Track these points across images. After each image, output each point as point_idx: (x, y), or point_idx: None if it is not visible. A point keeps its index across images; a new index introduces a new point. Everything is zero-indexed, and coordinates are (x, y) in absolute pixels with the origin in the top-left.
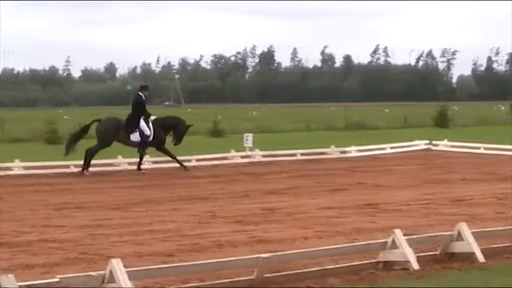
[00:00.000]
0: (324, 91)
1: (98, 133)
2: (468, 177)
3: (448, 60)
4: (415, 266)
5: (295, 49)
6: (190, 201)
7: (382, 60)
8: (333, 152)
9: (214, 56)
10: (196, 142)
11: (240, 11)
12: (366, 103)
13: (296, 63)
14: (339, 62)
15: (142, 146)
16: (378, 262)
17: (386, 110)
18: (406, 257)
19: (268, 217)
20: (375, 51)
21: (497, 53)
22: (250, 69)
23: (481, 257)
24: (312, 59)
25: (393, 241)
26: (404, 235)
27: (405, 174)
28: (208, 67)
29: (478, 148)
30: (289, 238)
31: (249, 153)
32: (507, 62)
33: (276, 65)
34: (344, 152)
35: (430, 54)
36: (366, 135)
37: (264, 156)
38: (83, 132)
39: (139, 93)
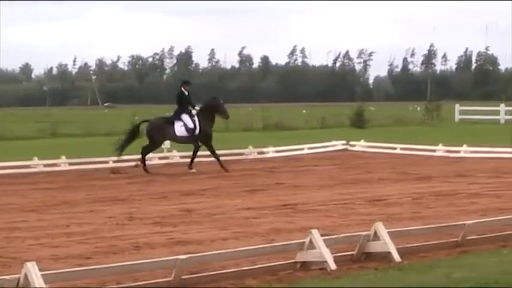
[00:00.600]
0: (242, 92)
1: (146, 133)
2: (385, 177)
3: (365, 61)
4: (332, 266)
5: (212, 50)
6: (108, 203)
7: (299, 61)
8: (250, 152)
9: (132, 56)
10: (114, 143)
11: (157, 11)
12: (283, 104)
13: (214, 64)
14: (256, 63)
15: (192, 139)
16: (296, 262)
17: (304, 111)
18: (324, 257)
19: (186, 218)
20: (292, 52)
21: (412, 54)
22: (168, 70)
23: (397, 256)
24: (229, 60)
25: (310, 241)
26: (322, 235)
27: (323, 174)
28: (126, 68)
29: (394, 148)
30: (208, 239)
31: (167, 154)
32: (422, 63)
33: (193, 65)
34: (262, 153)
35: (346, 55)
36: (284, 136)
37: (182, 157)
38: (133, 134)
39: (182, 88)
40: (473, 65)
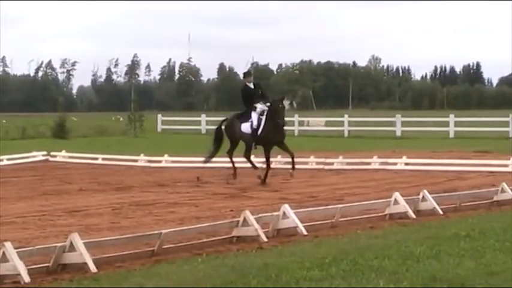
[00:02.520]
0: None
1: (225, 132)
2: (85, 188)
3: (68, 71)
4: (26, 278)
5: None
6: None
7: (0, 71)
8: None
9: None
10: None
11: None
12: None
13: None
14: None
15: (253, 139)
16: None
17: (4, 121)
18: (17, 269)
19: None
20: None
21: (116, 65)
22: None
23: (93, 267)
24: None
25: (4, 254)
26: (16, 248)
27: (22, 186)
28: None
29: (96, 159)
30: None
31: None
32: (126, 73)
33: None
34: None
35: (49, 64)
36: None
37: None
38: (217, 136)
39: (245, 82)
40: (177, 76)
